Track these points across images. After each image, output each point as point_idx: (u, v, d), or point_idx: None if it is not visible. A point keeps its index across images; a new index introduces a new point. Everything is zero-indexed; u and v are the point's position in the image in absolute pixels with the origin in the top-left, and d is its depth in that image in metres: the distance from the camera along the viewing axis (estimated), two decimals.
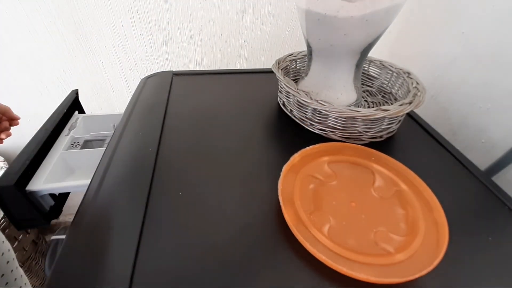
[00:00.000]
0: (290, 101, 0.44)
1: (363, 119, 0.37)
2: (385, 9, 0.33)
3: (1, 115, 0.44)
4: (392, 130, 0.41)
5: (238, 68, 0.79)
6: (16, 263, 0.52)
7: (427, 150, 0.41)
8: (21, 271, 0.53)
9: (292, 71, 0.53)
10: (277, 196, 0.28)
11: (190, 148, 0.38)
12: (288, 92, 0.42)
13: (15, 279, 0.51)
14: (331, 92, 0.43)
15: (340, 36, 0.36)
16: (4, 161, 0.87)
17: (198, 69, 0.79)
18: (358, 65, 0.42)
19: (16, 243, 0.86)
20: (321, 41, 0.39)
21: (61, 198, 0.44)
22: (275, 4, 0.69)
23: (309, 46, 0.43)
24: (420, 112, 0.49)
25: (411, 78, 0.43)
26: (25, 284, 0.53)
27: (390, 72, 0.48)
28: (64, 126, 0.51)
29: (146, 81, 0.57)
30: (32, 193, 0.38)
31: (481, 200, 0.33)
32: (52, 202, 0.41)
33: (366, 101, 0.50)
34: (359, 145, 0.36)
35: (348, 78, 0.43)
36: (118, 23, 0.68)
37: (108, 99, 0.82)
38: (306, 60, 0.46)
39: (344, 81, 0.43)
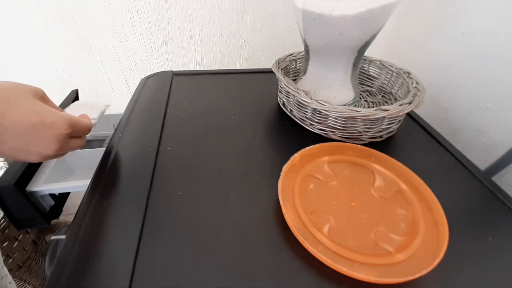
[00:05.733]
0: (290, 101, 0.44)
1: (363, 119, 0.37)
2: (379, 8, 0.33)
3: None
4: (392, 130, 0.41)
5: (238, 68, 0.79)
6: (1, 263, 0.52)
7: (427, 150, 0.41)
8: (5, 270, 0.53)
9: (292, 71, 0.53)
10: (277, 196, 0.28)
11: (190, 148, 0.38)
12: (288, 92, 0.42)
13: (1, 277, 0.51)
14: (329, 91, 0.44)
15: (336, 34, 0.37)
16: (4, 161, 0.87)
17: (198, 69, 0.79)
18: (355, 64, 0.42)
19: (16, 243, 0.86)
20: (318, 40, 0.39)
21: (61, 198, 0.44)
22: (275, 4, 0.69)
23: (306, 46, 0.43)
24: (420, 112, 0.49)
25: (411, 78, 0.43)
26: (10, 283, 0.54)
27: (390, 72, 0.48)
28: None
29: (146, 81, 0.57)
30: (32, 193, 0.38)
31: (481, 200, 0.33)
32: (52, 202, 0.41)
33: (366, 101, 0.50)
34: (359, 145, 0.36)
35: (345, 76, 0.43)
36: (118, 23, 0.68)
37: (108, 99, 0.82)
38: (304, 59, 0.46)
39: (341, 79, 0.43)
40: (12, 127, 0.24)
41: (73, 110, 0.35)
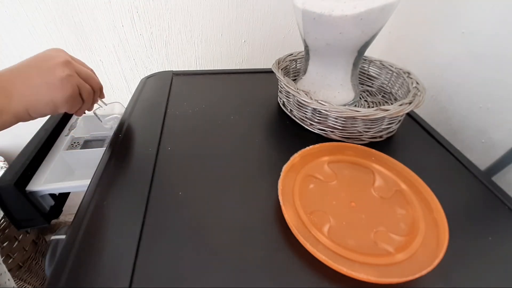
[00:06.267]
0: (290, 101, 0.44)
1: (363, 119, 0.37)
2: (379, 8, 0.33)
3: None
4: (392, 130, 0.41)
5: (238, 68, 0.79)
6: (0, 260, 0.53)
7: (427, 150, 0.41)
8: (4, 267, 0.53)
9: (292, 71, 0.53)
10: (277, 196, 0.28)
11: (190, 148, 0.38)
12: (288, 92, 0.42)
13: (0, 274, 0.52)
14: (329, 91, 0.44)
15: (336, 34, 0.37)
16: (4, 161, 0.87)
17: (198, 69, 0.79)
18: (355, 64, 0.42)
19: (16, 243, 0.86)
20: (318, 40, 0.39)
21: (61, 198, 0.44)
22: (275, 4, 0.69)
23: (306, 46, 0.43)
24: (420, 112, 0.49)
25: (411, 78, 0.43)
26: (8, 280, 0.54)
27: (390, 72, 0.48)
28: (64, 126, 0.51)
29: (146, 81, 0.57)
30: (32, 193, 0.38)
31: (481, 200, 0.33)
32: (52, 202, 0.41)
33: (366, 101, 0.50)
34: (359, 145, 0.36)
35: (345, 76, 0.43)
36: (118, 23, 0.68)
37: (108, 99, 0.82)
38: (304, 59, 0.46)
39: (341, 79, 0.43)
40: (22, 62, 0.30)
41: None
